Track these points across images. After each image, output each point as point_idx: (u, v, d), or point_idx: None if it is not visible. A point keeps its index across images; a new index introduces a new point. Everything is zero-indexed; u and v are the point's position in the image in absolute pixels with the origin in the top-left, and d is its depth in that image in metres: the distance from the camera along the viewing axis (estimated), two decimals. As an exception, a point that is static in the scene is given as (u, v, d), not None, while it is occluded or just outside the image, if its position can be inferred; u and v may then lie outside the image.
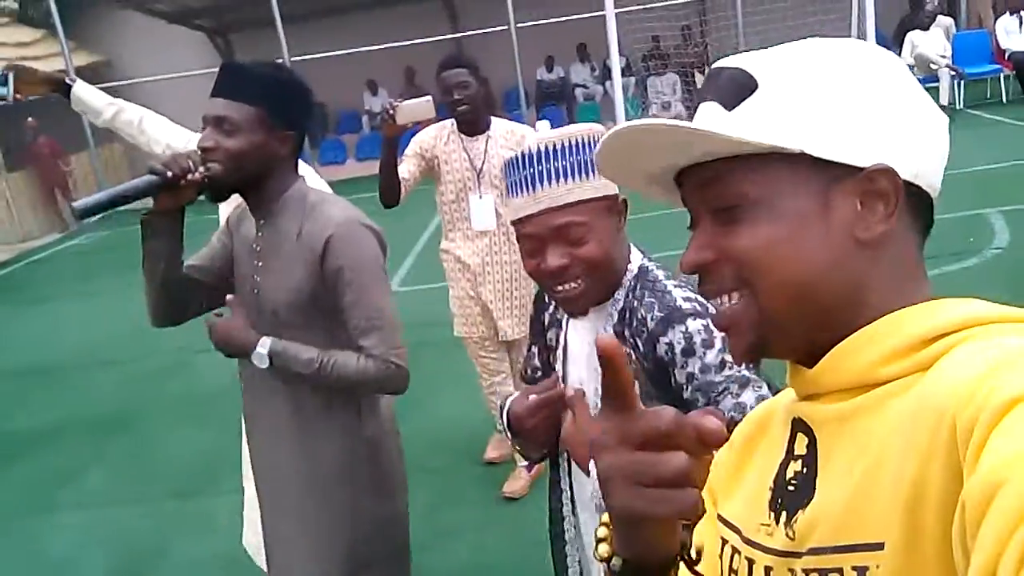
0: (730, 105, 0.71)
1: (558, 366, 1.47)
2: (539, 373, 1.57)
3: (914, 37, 11.11)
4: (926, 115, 0.71)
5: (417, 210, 9.98)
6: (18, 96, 2.48)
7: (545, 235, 1.30)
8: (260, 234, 1.88)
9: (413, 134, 3.42)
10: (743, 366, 1.14)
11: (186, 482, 4.25)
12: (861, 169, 0.68)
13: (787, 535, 0.70)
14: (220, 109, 1.77)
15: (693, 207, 0.75)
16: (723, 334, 0.75)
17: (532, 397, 1.37)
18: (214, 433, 4.75)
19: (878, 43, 6.22)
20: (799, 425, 0.73)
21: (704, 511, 0.57)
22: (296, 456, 1.92)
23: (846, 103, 0.69)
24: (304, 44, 12.44)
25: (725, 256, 0.71)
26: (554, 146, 1.29)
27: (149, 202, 1.82)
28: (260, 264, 1.88)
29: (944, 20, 11.81)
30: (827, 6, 11.57)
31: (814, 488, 0.68)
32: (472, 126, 3.39)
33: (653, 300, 1.30)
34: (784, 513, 0.71)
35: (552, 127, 2.99)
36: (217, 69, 1.87)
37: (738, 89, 0.71)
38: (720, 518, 0.80)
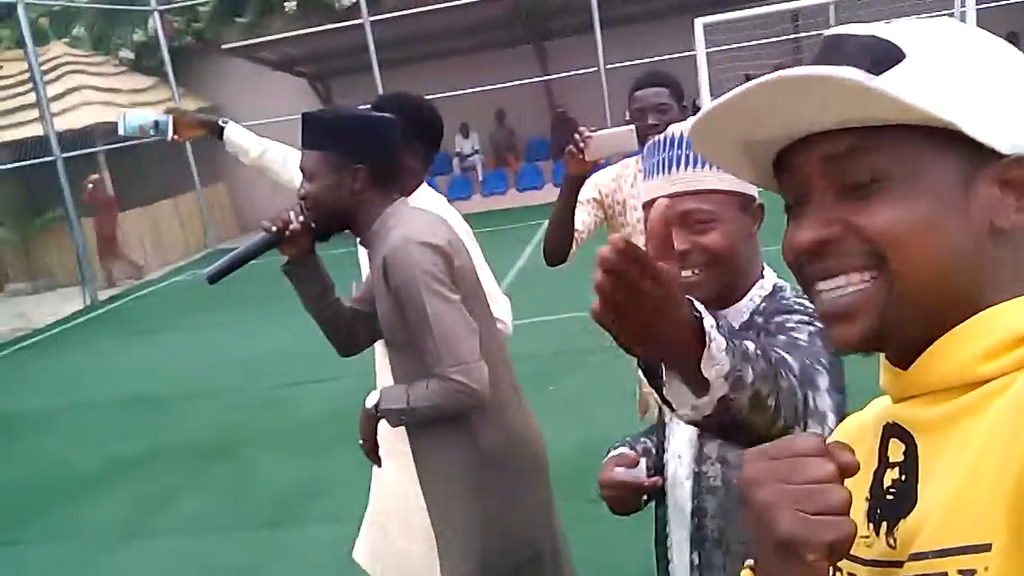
0: (875, 71, 0.66)
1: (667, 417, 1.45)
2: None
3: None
4: None
5: (509, 247, 10.10)
6: (176, 137, 2.66)
7: (671, 218, 1.29)
8: (371, 263, 1.97)
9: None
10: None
11: (280, 511, 4.32)
12: (1001, 156, 0.65)
13: (888, 543, 0.67)
14: (302, 161, 1.92)
15: (809, 182, 0.70)
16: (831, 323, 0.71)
17: (618, 471, 1.42)
18: (307, 462, 4.84)
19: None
20: (892, 431, 0.70)
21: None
22: (408, 472, 2.00)
23: (995, 84, 0.66)
24: (399, 88, 12.79)
25: (857, 232, 0.67)
26: None
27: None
28: (375, 292, 1.97)
29: None
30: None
31: (915, 495, 0.66)
32: None
33: (782, 322, 1.27)
34: (885, 523, 0.68)
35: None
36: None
37: (882, 56, 0.66)
38: None
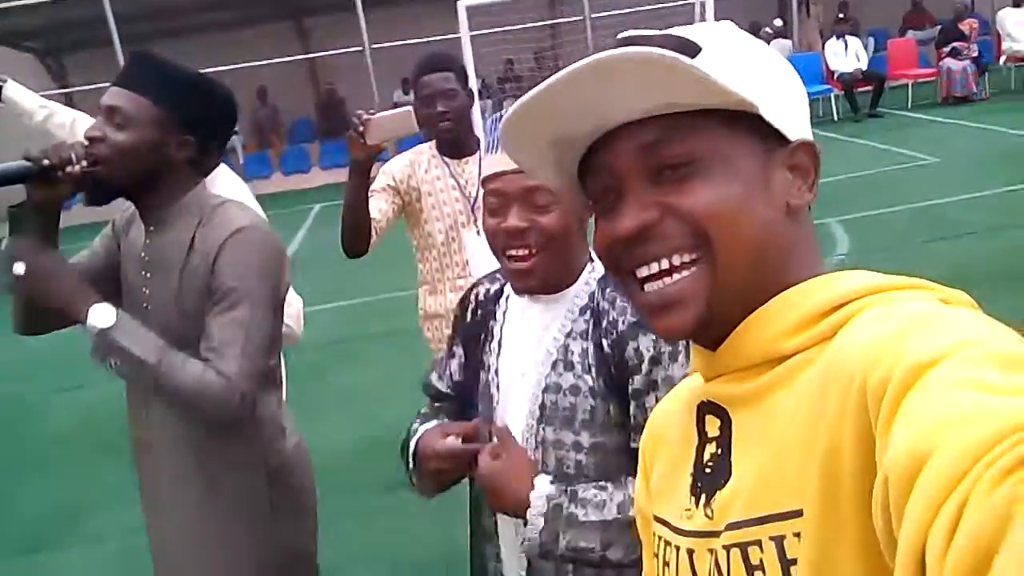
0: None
1: (491, 359, 1.43)
2: (450, 385, 1.52)
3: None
4: (803, 94, 0.76)
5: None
6: None
7: (512, 193, 1.28)
8: (148, 242, 1.71)
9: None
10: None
11: (37, 535, 3.90)
12: (788, 142, 0.71)
13: (706, 515, 0.70)
14: (115, 98, 1.62)
15: (622, 175, 0.71)
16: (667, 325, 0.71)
17: (450, 440, 1.34)
18: (63, 480, 4.41)
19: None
20: (707, 407, 0.73)
21: None
22: (193, 490, 1.75)
23: (775, 78, 0.73)
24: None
25: (677, 213, 0.68)
26: None
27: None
28: (149, 276, 1.71)
29: (783, 44, 12.61)
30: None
31: (730, 467, 0.69)
32: (459, 146, 2.64)
33: (626, 304, 1.29)
34: (703, 495, 0.71)
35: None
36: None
37: (681, 48, 0.66)
38: (656, 518, 0.80)
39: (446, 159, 2.66)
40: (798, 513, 0.60)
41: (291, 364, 4.66)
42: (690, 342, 0.76)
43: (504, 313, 1.45)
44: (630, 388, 1.26)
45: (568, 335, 1.32)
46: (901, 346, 0.54)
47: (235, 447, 1.74)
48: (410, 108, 2.30)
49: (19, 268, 1.55)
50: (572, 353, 1.31)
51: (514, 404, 1.37)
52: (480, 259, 2.59)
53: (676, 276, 0.69)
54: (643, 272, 0.71)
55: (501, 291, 1.47)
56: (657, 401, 1.20)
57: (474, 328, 1.49)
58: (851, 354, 0.58)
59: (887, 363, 0.53)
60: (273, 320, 1.68)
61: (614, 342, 1.28)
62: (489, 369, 1.43)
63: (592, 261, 1.38)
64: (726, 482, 0.68)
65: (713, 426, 0.72)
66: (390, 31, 12.51)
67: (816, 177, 0.72)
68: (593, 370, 1.29)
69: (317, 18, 14.71)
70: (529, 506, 1.22)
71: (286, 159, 14.80)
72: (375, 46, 12.45)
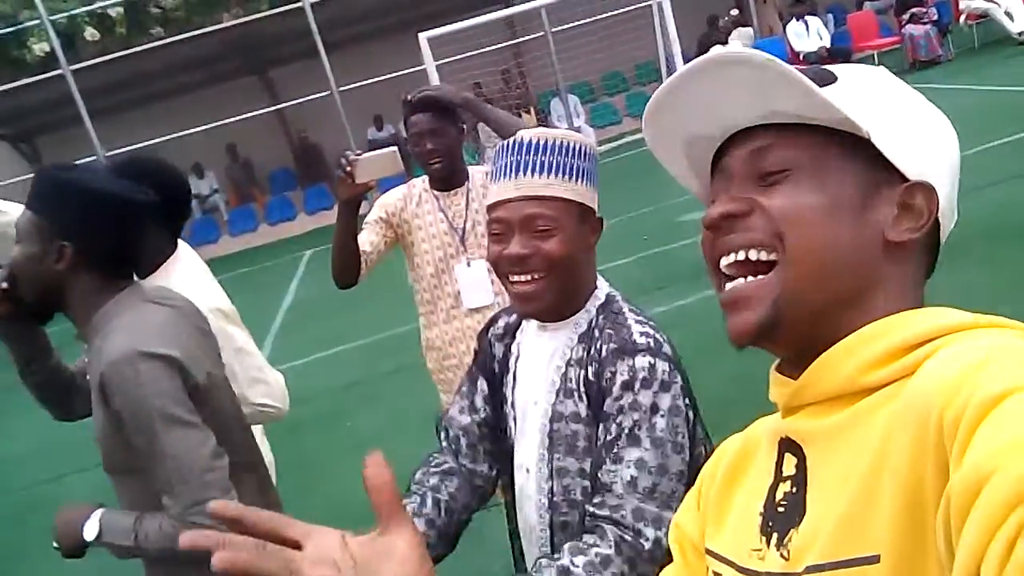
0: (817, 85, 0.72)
1: (508, 391, 1.45)
2: (477, 420, 1.51)
3: (717, 52, 11.86)
4: (957, 163, 0.76)
5: (273, 285, 9.70)
6: None
7: (515, 221, 1.31)
8: (88, 361, 1.64)
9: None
10: (741, 347, 1.18)
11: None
12: (906, 180, 0.72)
13: (781, 555, 0.69)
14: (19, 217, 1.59)
15: (733, 172, 0.75)
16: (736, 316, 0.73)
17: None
18: (91, 566, 4.35)
19: (685, 63, 6.58)
20: (786, 445, 0.73)
21: None
22: None
23: (910, 116, 0.74)
24: (119, 136, 11.92)
25: (761, 209, 0.72)
26: (544, 141, 1.32)
27: None
28: (92, 400, 1.62)
29: (744, 31, 12.69)
30: (632, 33, 12.23)
31: (804, 506, 0.68)
32: (448, 181, 2.73)
33: (612, 331, 1.31)
34: (775, 535, 0.70)
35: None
36: (27, 177, 1.70)
37: (821, 76, 0.73)
38: (710, 552, 0.79)
39: (435, 192, 2.74)
40: (875, 559, 0.59)
41: (307, 416, 4.66)
42: (771, 374, 0.77)
43: (519, 345, 1.46)
44: (602, 410, 1.27)
45: (568, 362, 1.34)
46: (977, 380, 0.55)
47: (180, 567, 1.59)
48: (395, 148, 2.38)
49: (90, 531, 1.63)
50: (570, 380, 1.33)
51: (529, 434, 1.39)
52: (471, 290, 2.68)
53: (751, 278, 0.72)
54: (724, 262, 0.74)
55: (519, 323, 1.49)
56: (618, 427, 1.23)
57: (492, 361, 1.51)
58: (930, 390, 0.58)
59: (963, 397, 0.54)
60: (200, 434, 1.54)
61: (597, 369, 1.30)
62: (507, 402, 1.45)
63: (597, 288, 1.39)
64: (801, 521, 0.67)
65: (790, 464, 0.72)
66: (356, 71, 12.57)
67: (928, 223, 0.71)
68: (586, 397, 1.30)
69: (282, 68, 14.77)
70: None
71: (271, 210, 14.83)
72: (342, 88, 12.50)
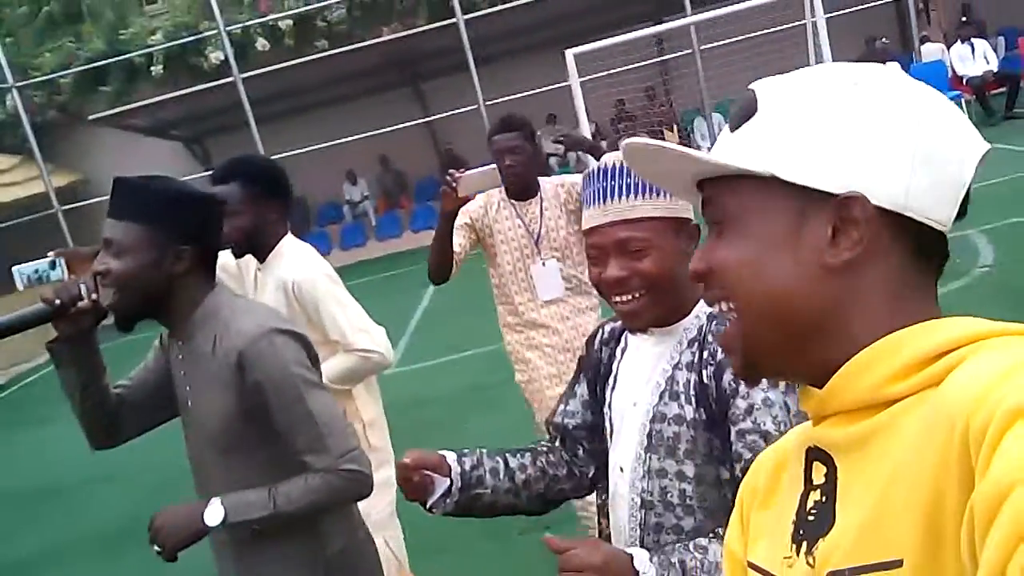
0: (733, 127, 0.75)
1: (608, 394, 1.50)
2: (574, 424, 1.57)
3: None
4: (923, 144, 0.69)
5: (411, 290, 10.05)
6: (73, 276, 2.44)
7: (608, 246, 1.35)
8: (181, 357, 1.79)
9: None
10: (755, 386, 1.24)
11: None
12: (835, 195, 0.68)
13: (807, 563, 0.70)
14: (108, 230, 1.69)
15: (703, 217, 0.81)
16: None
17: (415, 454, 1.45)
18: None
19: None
20: (815, 454, 0.73)
21: None
22: None
23: (827, 129, 0.69)
24: (280, 142, 12.63)
25: (710, 268, 0.75)
26: (624, 165, 1.35)
27: None
28: (189, 389, 1.79)
29: (932, 47, 12.12)
30: (783, 52, 11.90)
31: (834, 515, 0.68)
32: (523, 191, 3.20)
33: None
34: (805, 543, 0.71)
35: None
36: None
37: (742, 112, 0.74)
38: (751, 565, 0.80)
39: (512, 201, 3.21)
40: (898, 563, 0.60)
41: (431, 416, 4.82)
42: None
43: (623, 350, 1.50)
44: (729, 413, 1.29)
45: (676, 366, 1.36)
46: (1003, 389, 0.54)
47: (287, 543, 1.77)
48: (494, 165, 2.87)
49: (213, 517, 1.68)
50: (678, 383, 1.35)
51: (626, 434, 1.42)
52: (544, 286, 3.18)
53: (725, 324, 0.76)
54: (712, 312, 0.78)
55: (624, 329, 1.52)
56: (754, 424, 1.23)
57: (598, 365, 1.56)
58: (956, 398, 0.58)
59: (989, 407, 0.54)
60: (332, 396, 1.77)
61: (713, 372, 1.31)
62: (606, 403, 1.49)
63: None
64: (830, 529, 0.68)
65: (819, 473, 0.72)
66: (502, 86, 12.83)
67: (866, 234, 0.67)
68: (695, 401, 1.32)
69: (433, 82, 15.26)
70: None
71: (416, 217, 15.34)
72: (489, 103, 12.80)
